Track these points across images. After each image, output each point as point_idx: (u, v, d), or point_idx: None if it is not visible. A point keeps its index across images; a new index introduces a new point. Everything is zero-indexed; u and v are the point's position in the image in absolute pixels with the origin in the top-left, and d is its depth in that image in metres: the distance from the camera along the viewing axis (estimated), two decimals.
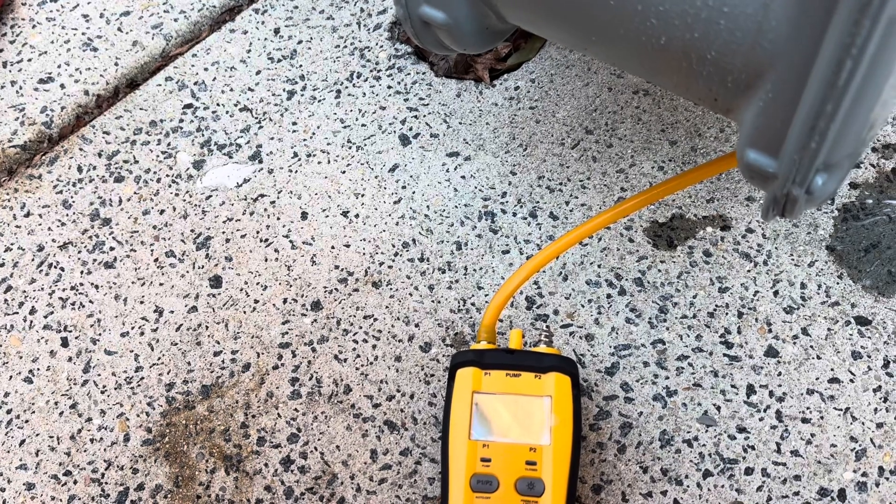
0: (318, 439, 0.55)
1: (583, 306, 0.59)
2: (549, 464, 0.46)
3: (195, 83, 0.74)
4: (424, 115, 0.69)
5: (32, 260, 0.64)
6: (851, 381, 0.54)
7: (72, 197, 0.67)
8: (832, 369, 0.55)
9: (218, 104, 0.72)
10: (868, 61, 0.30)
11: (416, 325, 0.59)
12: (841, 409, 0.53)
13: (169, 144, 0.70)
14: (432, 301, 0.60)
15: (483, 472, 0.46)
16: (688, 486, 0.52)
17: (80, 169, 0.69)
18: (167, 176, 0.68)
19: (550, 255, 0.50)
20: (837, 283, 0.58)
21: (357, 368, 0.58)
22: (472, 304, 0.60)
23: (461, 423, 0.48)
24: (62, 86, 0.73)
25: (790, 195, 0.37)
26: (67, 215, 0.66)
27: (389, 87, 0.71)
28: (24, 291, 0.62)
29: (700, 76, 0.37)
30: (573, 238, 0.50)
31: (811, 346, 0.56)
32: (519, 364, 0.49)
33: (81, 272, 0.63)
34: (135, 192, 0.67)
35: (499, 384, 0.49)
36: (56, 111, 0.72)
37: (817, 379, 0.54)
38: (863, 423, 0.53)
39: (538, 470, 0.46)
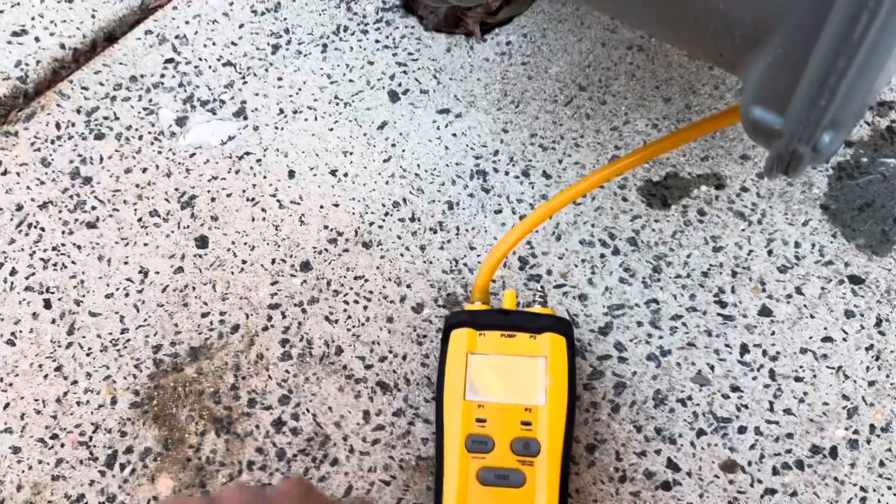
0: (310, 401, 0.55)
1: (576, 266, 0.58)
2: (545, 424, 0.46)
3: (176, 37, 0.71)
4: (414, 71, 0.68)
5: (11, 220, 0.62)
6: (844, 339, 0.54)
7: (50, 155, 0.65)
8: (825, 328, 0.55)
9: (200, 59, 0.70)
10: (885, 13, 0.29)
11: (408, 286, 0.58)
12: (833, 368, 0.53)
13: (150, 100, 0.68)
14: (424, 261, 0.59)
15: (478, 433, 0.46)
16: (681, 445, 0.52)
17: (58, 126, 0.67)
18: (149, 133, 0.66)
19: (544, 214, 0.50)
20: (831, 242, 0.58)
21: (348, 329, 0.57)
22: (465, 265, 0.59)
23: (456, 383, 0.47)
24: (37, 39, 0.70)
25: (796, 153, 0.36)
26: (47, 174, 0.64)
27: (377, 41, 0.69)
28: (4, 252, 0.61)
29: (706, 30, 0.36)
30: (567, 197, 0.49)
31: (805, 306, 0.56)
32: (513, 324, 0.48)
33: (63, 232, 0.62)
34: (116, 150, 0.66)
35: (493, 345, 0.48)
36: (31, 65, 0.69)
37: (810, 338, 0.54)
38: (855, 382, 0.53)
39: (533, 430, 0.46)
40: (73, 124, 0.67)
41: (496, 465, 0.45)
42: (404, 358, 0.56)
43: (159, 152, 0.65)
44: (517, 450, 0.45)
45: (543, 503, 0.45)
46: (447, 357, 0.48)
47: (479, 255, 0.59)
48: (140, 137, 0.66)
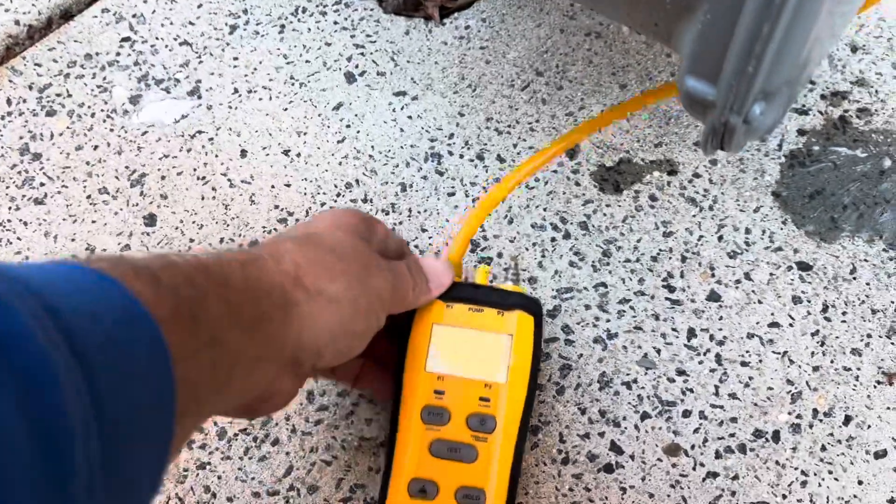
0: None
1: (527, 249, 0.58)
2: (503, 402, 0.44)
3: (133, 15, 0.71)
4: (371, 53, 0.67)
5: None
6: (791, 325, 0.54)
7: (0, 130, 0.64)
8: (772, 314, 0.55)
9: (157, 38, 0.69)
10: None
11: None
12: (779, 353, 0.53)
13: (105, 78, 0.67)
14: None
15: (435, 405, 0.45)
16: (625, 428, 0.51)
17: (9, 101, 0.66)
18: (102, 111, 0.66)
19: (519, 179, 0.49)
20: (781, 229, 0.58)
21: None
22: (416, 247, 0.58)
23: (418, 353, 0.46)
24: None
25: (728, 124, 0.36)
26: None
27: (336, 22, 0.69)
28: None
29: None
30: (539, 163, 0.49)
31: (753, 291, 0.56)
32: (482, 299, 0.46)
33: (10, 208, 0.61)
34: (67, 127, 0.65)
35: (460, 318, 0.46)
36: None
37: (758, 323, 0.54)
38: (799, 367, 0.53)
39: (491, 407, 0.44)
40: (25, 100, 0.66)
41: (450, 437, 0.44)
42: None
43: (111, 130, 0.64)
44: (472, 425, 0.44)
45: (494, 480, 0.44)
46: (412, 326, 0.46)
47: (430, 238, 0.59)
48: (92, 115, 0.65)
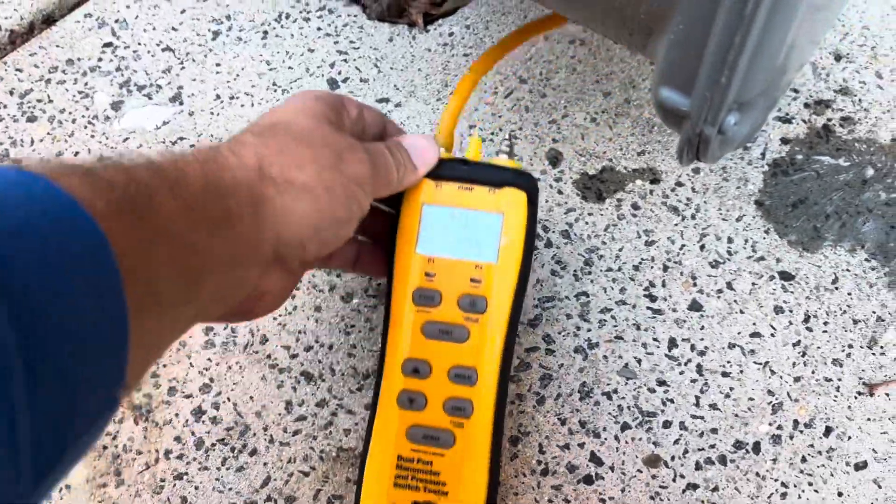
0: (232, 390, 0.54)
1: None
2: (495, 283, 0.43)
3: (116, 21, 0.70)
4: (354, 59, 0.67)
5: None
6: (772, 335, 0.54)
7: None
8: (754, 323, 0.54)
9: (139, 43, 0.69)
10: None
11: (338, 275, 0.57)
12: (761, 363, 0.53)
13: (86, 84, 0.67)
14: None
15: (426, 287, 0.44)
16: (605, 439, 0.51)
17: None
18: (83, 117, 0.65)
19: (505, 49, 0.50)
20: (764, 238, 0.57)
21: (274, 319, 0.56)
22: None
23: (408, 235, 0.44)
24: None
25: (703, 135, 0.36)
26: None
27: (319, 28, 0.69)
28: None
29: (614, 7, 0.36)
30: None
31: (735, 301, 0.55)
32: (473, 177, 0.44)
33: None
34: (48, 133, 0.64)
35: (450, 197, 0.44)
36: None
37: (739, 333, 0.54)
38: (781, 377, 0.52)
39: (482, 288, 0.43)
40: (5, 106, 0.65)
41: (441, 319, 0.44)
42: (331, 348, 0.55)
43: (92, 136, 0.64)
44: (464, 306, 0.43)
45: (486, 359, 0.43)
46: (402, 207, 0.45)
47: None
48: (73, 121, 0.65)
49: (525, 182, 0.44)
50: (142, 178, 0.28)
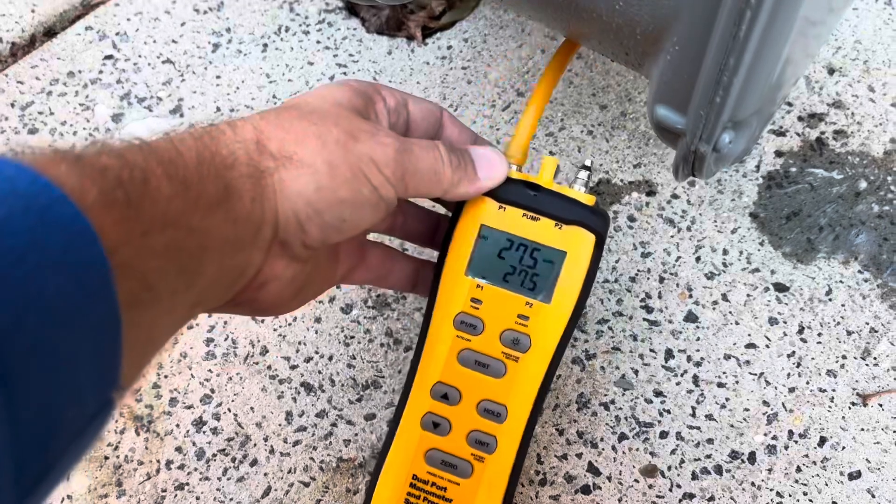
0: (232, 400, 0.54)
1: None
2: (543, 324, 0.41)
3: (117, 33, 0.71)
4: (354, 73, 0.68)
5: None
6: (767, 346, 0.55)
7: None
8: (749, 335, 0.55)
9: (140, 56, 0.69)
10: (768, 11, 0.29)
11: (337, 286, 0.58)
12: (756, 374, 0.54)
13: (87, 96, 0.67)
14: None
15: (470, 313, 0.41)
16: (602, 449, 0.52)
17: None
18: (84, 129, 0.66)
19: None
20: (759, 250, 0.58)
21: (275, 330, 0.56)
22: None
23: (460, 255, 0.41)
24: None
25: (698, 152, 0.36)
26: None
27: (318, 41, 0.69)
28: None
29: (611, 28, 0.36)
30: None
31: (730, 312, 0.56)
32: (542, 207, 0.41)
33: None
34: (49, 145, 0.65)
35: (512, 224, 0.41)
36: None
37: (734, 344, 0.55)
38: (776, 388, 0.53)
39: (529, 327, 0.41)
40: (7, 118, 0.66)
41: (480, 349, 0.42)
42: (330, 359, 0.55)
43: None
44: (506, 341, 0.41)
45: (519, 399, 0.42)
46: (458, 223, 0.41)
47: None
48: (74, 133, 0.65)
49: (598, 223, 0.41)
50: (136, 160, 0.26)
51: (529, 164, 0.62)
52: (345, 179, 0.33)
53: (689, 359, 0.54)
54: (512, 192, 0.41)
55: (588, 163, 0.42)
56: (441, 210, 0.52)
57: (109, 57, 0.69)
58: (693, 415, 0.53)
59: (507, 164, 0.40)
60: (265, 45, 0.69)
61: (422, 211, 0.46)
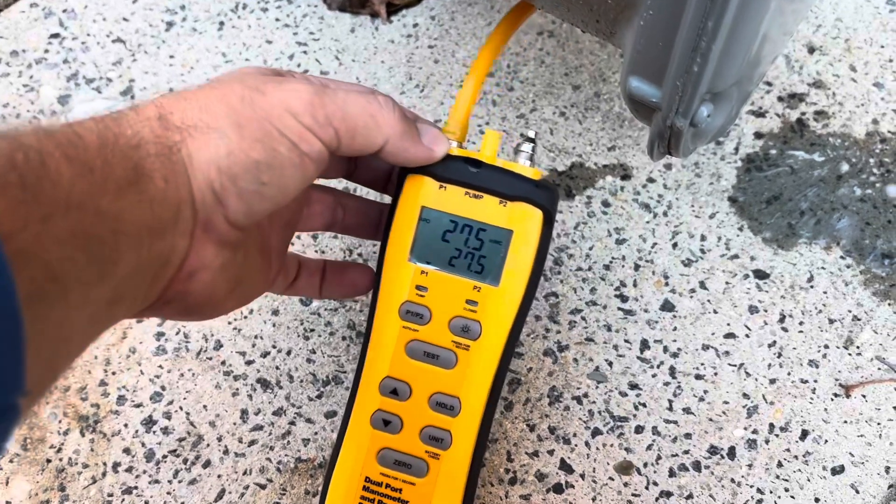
0: (184, 398, 0.51)
1: None
2: (493, 309, 0.38)
3: (64, 10, 0.67)
4: (315, 51, 0.64)
5: None
6: (747, 336, 0.52)
7: None
8: (728, 324, 0.53)
9: (88, 34, 0.66)
10: None
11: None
12: (735, 365, 0.51)
13: (31, 77, 0.63)
14: (316, 251, 0.56)
15: (416, 301, 0.39)
16: (576, 445, 0.49)
17: None
18: (28, 111, 0.62)
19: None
20: (738, 236, 0.56)
21: (229, 323, 0.53)
22: (359, 254, 0.56)
23: (401, 241, 0.39)
24: None
25: (674, 127, 0.34)
26: None
27: (277, 19, 0.66)
28: None
29: None
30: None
31: (708, 300, 0.53)
32: (484, 184, 0.38)
33: None
34: None
35: (454, 203, 0.38)
36: None
37: (713, 334, 0.52)
38: (756, 380, 0.51)
39: (478, 312, 0.38)
40: None
41: (428, 340, 0.39)
42: (289, 353, 0.52)
43: None
44: (455, 329, 0.39)
45: (472, 390, 0.39)
46: (397, 207, 0.39)
47: (375, 245, 0.56)
48: (18, 115, 0.62)
49: (544, 198, 0.38)
50: (29, 142, 0.24)
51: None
52: (255, 139, 0.30)
53: (665, 349, 0.52)
54: (452, 170, 0.38)
55: (531, 134, 0.40)
56: (386, 199, 0.49)
57: (56, 35, 0.65)
58: (670, 408, 0.50)
59: (446, 140, 0.38)
60: (221, 23, 0.66)
61: (363, 202, 0.43)
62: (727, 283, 0.54)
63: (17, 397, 0.23)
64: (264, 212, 0.32)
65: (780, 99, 0.61)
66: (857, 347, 0.51)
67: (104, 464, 0.49)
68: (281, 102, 0.31)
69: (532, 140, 0.40)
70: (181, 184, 0.29)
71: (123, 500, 0.48)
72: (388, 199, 0.53)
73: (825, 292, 0.53)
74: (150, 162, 0.28)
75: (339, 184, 0.56)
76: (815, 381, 0.51)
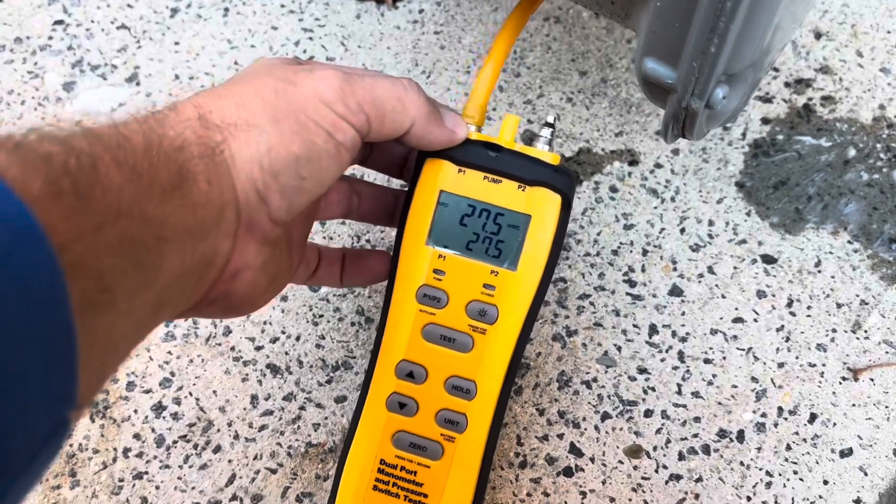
0: (194, 384, 0.51)
1: None
2: (510, 294, 0.38)
3: None
4: (320, 37, 0.64)
5: None
6: (755, 320, 0.52)
7: None
8: (736, 308, 0.53)
9: (93, 21, 0.65)
10: None
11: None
12: (744, 350, 0.51)
13: (36, 64, 0.63)
14: (324, 237, 0.56)
15: (433, 285, 0.39)
16: (585, 429, 0.49)
17: None
18: (33, 98, 0.62)
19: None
20: (745, 221, 0.56)
21: None
22: (367, 241, 0.56)
23: (419, 225, 0.39)
24: None
25: (689, 109, 0.34)
26: None
27: (283, 5, 0.66)
28: None
29: None
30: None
31: (716, 285, 0.54)
32: (503, 168, 0.38)
33: None
34: None
35: (472, 188, 0.38)
36: None
37: (721, 318, 0.52)
38: (764, 364, 0.51)
39: (495, 297, 0.39)
40: None
41: (445, 323, 0.39)
42: (298, 339, 0.52)
43: (43, 118, 0.60)
44: (472, 313, 0.39)
45: (488, 374, 0.39)
46: (415, 191, 0.39)
47: (382, 231, 0.56)
48: (23, 102, 0.61)
49: (563, 183, 0.38)
50: (80, 146, 0.24)
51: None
52: (293, 132, 0.30)
53: (674, 334, 0.52)
54: (471, 154, 0.38)
55: (551, 119, 0.40)
56: (397, 184, 0.48)
57: (60, 22, 0.65)
58: (679, 392, 0.50)
59: (465, 125, 0.38)
60: (226, 10, 0.65)
61: (377, 189, 0.43)
62: (735, 267, 0.54)
63: (70, 411, 0.22)
64: (303, 206, 0.32)
65: (786, 84, 0.61)
66: (865, 331, 0.52)
67: (114, 449, 0.49)
68: (313, 92, 0.31)
69: (551, 125, 0.40)
70: (225, 185, 0.29)
71: (134, 485, 0.48)
72: (396, 184, 0.53)
73: (833, 277, 0.54)
74: (195, 164, 0.28)
75: (350, 171, 0.56)
76: (824, 365, 0.51)
